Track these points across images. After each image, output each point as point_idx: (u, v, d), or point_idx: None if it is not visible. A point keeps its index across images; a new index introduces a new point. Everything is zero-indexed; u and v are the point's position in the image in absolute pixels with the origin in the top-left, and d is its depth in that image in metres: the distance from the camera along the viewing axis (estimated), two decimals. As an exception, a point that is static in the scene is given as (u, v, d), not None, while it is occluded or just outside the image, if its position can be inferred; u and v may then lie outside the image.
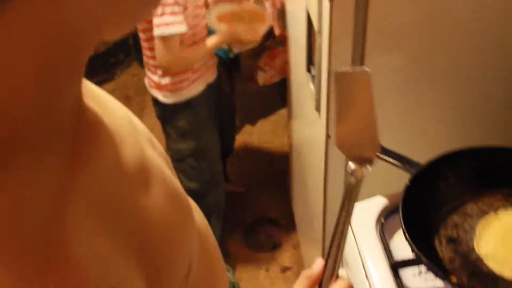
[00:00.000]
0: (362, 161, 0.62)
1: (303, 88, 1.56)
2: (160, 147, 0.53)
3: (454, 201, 0.98)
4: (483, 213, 0.97)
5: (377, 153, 1.00)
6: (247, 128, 2.89)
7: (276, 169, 2.64)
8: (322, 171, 1.37)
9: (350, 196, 0.62)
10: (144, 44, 1.77)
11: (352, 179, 0.62)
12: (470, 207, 0.98)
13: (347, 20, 1.11)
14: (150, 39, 1.70)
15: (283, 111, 2.94)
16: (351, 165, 0.62)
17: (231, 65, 2.41)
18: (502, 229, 0.93)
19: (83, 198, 0.35)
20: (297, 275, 2.54)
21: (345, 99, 0.64)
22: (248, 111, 2.93)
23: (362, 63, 1.19)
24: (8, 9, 0.26)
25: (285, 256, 2.30)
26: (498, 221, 0.95)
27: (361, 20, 1.12)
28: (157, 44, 1.66)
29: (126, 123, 0.46)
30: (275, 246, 2.35)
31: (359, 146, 0.63)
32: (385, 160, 1.00)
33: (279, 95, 2.61)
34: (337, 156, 1.29)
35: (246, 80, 2.38)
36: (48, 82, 0.31)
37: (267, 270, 2.23)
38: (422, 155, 1.01)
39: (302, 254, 2.24)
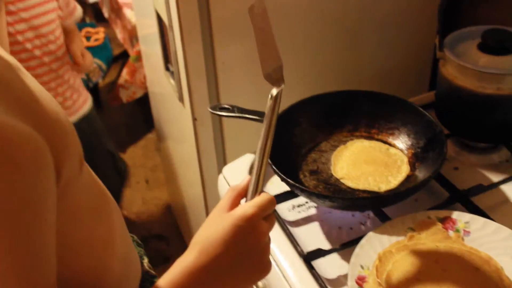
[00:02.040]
0: (277, 81, 0.72)
1: (164, 87, 1.67)
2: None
3: (310, 142, 1.15)
4: (334, 147, 1.14)
5: (240, 114, 1.14)
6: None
7: (153, 187, 2.70)
8: (195, 156, 1.48)
9: (272, 114, 0.71)
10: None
11: (271, 101, 0.71)
12: (324, 145, 1.15)
13: (192, 9, 1.25)
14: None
15: (150, 135, 3.03)
16: (273, 90, 0.71)
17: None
18: (351, 155, 1.10)
19: None
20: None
21: (258, 31, 0.72)
22: (117, 139, 2.98)
23: (213, 51, 1.33)
24: None
25: (177, 266, 2.35)
26: (346, 150, 1.12)
27: (205, 8, 1.26)
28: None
29: None
30: (166, 260, 2.40)
31: (272, 70, 0.72)
32: (246, 118, 1.13)
33: (143, 117, 2.69)
34: (206, 136, 1.42)
35: (110, 100, 2.44)
36: None
37: (162, 283, 2.27)
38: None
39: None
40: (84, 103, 1.93)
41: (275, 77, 0.72)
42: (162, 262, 2.39)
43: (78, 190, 0.62)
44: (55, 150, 0.53)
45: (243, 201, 0.71)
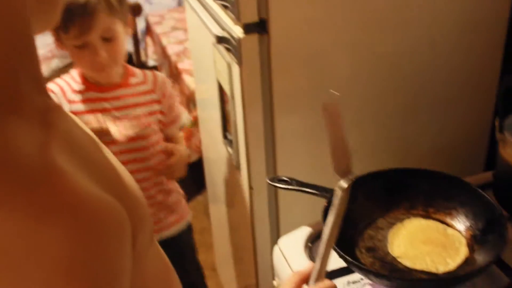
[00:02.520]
0: (347, 174, 0.75)
1: (220, 154, 1.72)
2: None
3: (367, 218, 1.15)
4: (391, 224, 1.14)
5: (298, 188, 1.16)
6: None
7: (200, 250, 2.71)
8: (249, 224, 1.50)
9: (341, 205, 0.74)
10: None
11: (341, 193, 0.74)
12: (381, 222, 1.15)
13: (255, 82, 1.30)
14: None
15: (200, 198, 3.06)
16: (342, 183, 0.75)
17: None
18: (408, 234, 1.10)
19: (60, 142, 0.48)
20: None
21: (330, 127, 0.75)
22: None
23: (272, 124, 1.37)
24: None
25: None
26: (403, 228, 1.12)
27: (267, 82, 1.31)
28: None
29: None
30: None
31: (343, 163, 0.76)
32: (305, 192, 1.15)
33: (193, 179, 2.74)
34: (261, 205, 1.44)
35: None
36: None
37: None
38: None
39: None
40: (173, 226, 1.79)
41: (345, 171, 0.74)
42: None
43: (146, 262, 0.65)
44: (132, 222, 0.56)
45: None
